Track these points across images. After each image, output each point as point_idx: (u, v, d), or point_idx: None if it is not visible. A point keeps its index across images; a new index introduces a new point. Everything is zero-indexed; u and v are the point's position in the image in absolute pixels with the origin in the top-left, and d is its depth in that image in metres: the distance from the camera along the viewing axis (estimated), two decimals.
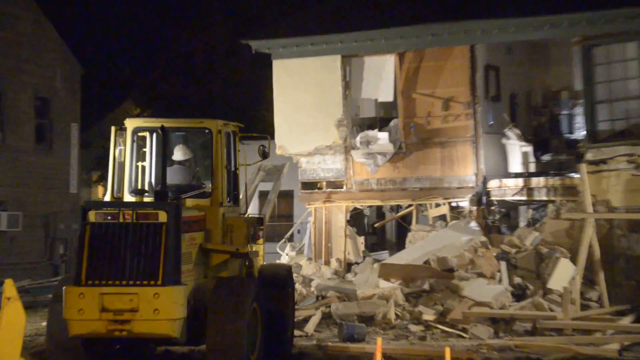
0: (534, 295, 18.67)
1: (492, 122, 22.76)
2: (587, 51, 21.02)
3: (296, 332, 16.54)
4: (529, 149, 22.58)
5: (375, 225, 25.61)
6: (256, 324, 13.26)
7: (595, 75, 20.99)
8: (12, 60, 30.62)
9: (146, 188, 14.14)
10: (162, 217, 12.40)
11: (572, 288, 17.88)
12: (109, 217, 12.45)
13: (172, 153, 14.26)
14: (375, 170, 23.26)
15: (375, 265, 21.39)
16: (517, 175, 22.34)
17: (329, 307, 18.92)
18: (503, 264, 19.50)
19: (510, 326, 17.43)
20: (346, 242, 23.61)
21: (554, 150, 22.96)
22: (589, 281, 19.20)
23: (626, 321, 17.37)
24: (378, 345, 11.79)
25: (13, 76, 30.60)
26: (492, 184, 22.04)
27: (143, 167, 14.33)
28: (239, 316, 12.59)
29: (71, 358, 12.79)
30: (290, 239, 27.29)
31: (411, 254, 21.06)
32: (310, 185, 24.21)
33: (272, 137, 23.14)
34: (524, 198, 21.86)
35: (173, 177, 13.91)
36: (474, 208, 21.94)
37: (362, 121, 23.84)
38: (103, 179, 37.26)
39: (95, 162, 37.45)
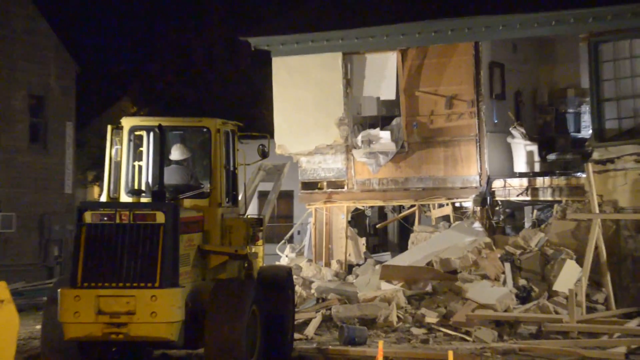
0: (539, 297, 18.71)
1: (496, 121, 22.81)
2: (594, 48, 21.03)
3: (296, 335, 16.59)
4: (534, 148, 22.61)
5: (377, 226, 25.64)
6: (255, 327, 13.30)
7: (603, 72, 21.00)
8: (5, 58, 30.70)
9: (143, 188, 14.17)
10: (160, 218, 12.46)
11: (578, 290, 17.91)
12: (106, 218, 12.51)
13: (169, 152, 14.31)
14: (377, 170, 23.29)
15: (377, 267, 21.43)
16: (522, 175, 22.38)
17: (330, 309, 18.96)
18: (507, 266, 19.54)
19: (515, 329, 17.47)
20: (347, 244, 23.65)
21: (559, 150, 22.99)
22: (595, 283, 19.22)
23: (633, 324, 17.38)
24: (380, 348, 11.86)
25: (6, 74, 30.66)
26: (497, 183, 22.08)
27: (140, 167, 14.38)
28: (238, 319, 12.63)
29: None
30: (290, 240, 27.33)
31: (413, 256, 21.10)
32: (310, 186, 24.24)
33: (272, 136, 23.17)
34: (529, 198, 21.89)
35: (171, 177, 13.96)
36: (478, 208, 21.97)
37: (363, 120, 23.87)
38: (99, 179, 37.30)
39: (91, 162, 37.50)
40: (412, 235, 22.66)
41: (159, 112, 36.97)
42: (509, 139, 22.73)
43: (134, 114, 38.67)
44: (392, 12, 23.50)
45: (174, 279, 12.37)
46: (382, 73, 23.50)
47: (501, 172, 22.49)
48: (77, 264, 12.35)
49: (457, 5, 22.70)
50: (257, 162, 15.37)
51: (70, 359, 12.78)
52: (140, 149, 14.44)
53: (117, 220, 12.47)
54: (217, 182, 13.81)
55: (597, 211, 19.10)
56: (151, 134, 14.41)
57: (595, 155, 20.48)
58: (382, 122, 23.61)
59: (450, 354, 11.91)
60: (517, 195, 21.90)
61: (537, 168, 22.57)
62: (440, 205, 23.10)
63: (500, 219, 22.22)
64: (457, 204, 22.86)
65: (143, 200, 13.69)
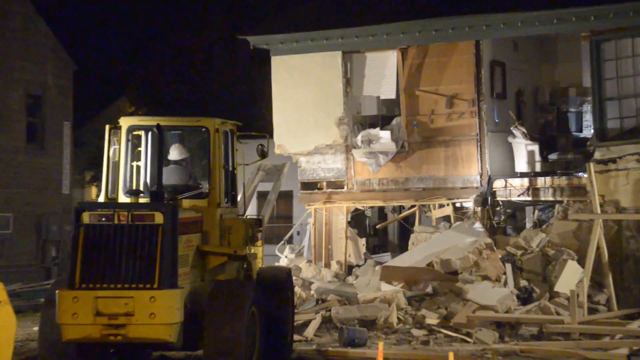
0: (540, 298, 18.74)
1: (497, 120, 22.83)
2: (596, 46, 21.05)
3: (296, 337, 16.60)
4: (535, 147, 22.64)
5: (377, 226, 25.67)
6: (254, 328, 13.32)
7: (605, 71, 21.02)
8: (1, 57, 30.69)
9: (141, 189, 14.19)
10: (158, 218, 12.48)
11: (579, 291, 17.95)
12: (104, 219, 12.53)
13: (168, 152, 14.32)
14: (377, 170, 23.32)
15: (377, 267, 21.45)
16: (523, 175, 22.40)
17: (329, 311, 18.99)
18: (508, 267, 19.56)
19: (516, 330, 17.50)
20: (347, 244, 23.67)
21: (561, 149, 23.02)
22: (597, 284, 19.26)
23: (635, 325, 17.42)
24: (380, 350, 11.89)
25: (3, 73, 30.67)
26: (498, 184, 22.11)
27: (138, 167, 14.40)
28: (237, 320, 12.66)
29: None
30: (290, 241, 27.35)
31: (414, 256, 21.12)
32: (310, 186, 24.26)
33: (271, 136, 23.22)
34: (530, 198, 21.91)
35: (169, 177, 13.98)
36: (479, 209, 21.99)
37: (363, 119, 23.89)
38: (97, 179, 37.28)
39: (89, 162, 37.48)
40: (412, 235, 22.68)
41: (157, 112, 36.99)
42: (510, 139, 22.76)
43: (132, 114, 38.68)
44: (392, 11, 23.53)
45: (172, 280, 12.40)
46: (382, 72, 23.53)
47: (502, 172, 22.51)
48: (75, 265, 12.37)
49: (458, 4, 22.73)
50: (256, 162, 15.39)
51: None
52: (139, 148, 14.46)
53: (116, 221, 12.49)
54: (216, 183, 13.83)
55: (599, 211, 19.13)
56: (149, 134, 14.42)
57: (597, 155, 20.51)
58: (382, 121, 23.63)
59: (451, 356, 11.94)
60: (518, 196, 21.92)
61: (538, 168, 22.60)
62: (441, 206, 23.12)
63: (501, 219, 22.24)
64: (458, 204, 22.89)
65: (141, 200, 13.71)
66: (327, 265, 23.41)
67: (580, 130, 23.50)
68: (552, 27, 21.74)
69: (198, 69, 41.53)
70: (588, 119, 23.07)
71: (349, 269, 23.29)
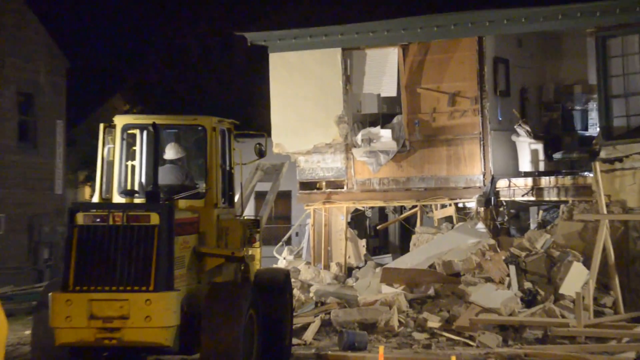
0: (545, 301, 18.72)
1: (500, 119, 22.83)
2: (601, 43, 21.06)
3: (294, 340, 16.61)
4: (539, 146, 22.64)
5: (378, 227, 25.67)
6: (252, 331, 13.33)
7: (611, 68, 21.02)
8: None
9: (136, 189, 14.21)
10: (154, 219, 12.48)
11: (585, 293, 17.94)
12: (98, 220, 12.53)
13: (163, 152, 14.33)
14: (377, 169, 23.32)
15: (378, 269, 21.46)
16: (527, 175, 22.40)
17: (329, 313, 18.99)
18: (512, 268, 19.54)
19: (520, 334, 17.50)
20: (347, 246, 23.67)
21: (566, 148, 23.01)
22: (603, 286, 19.24)
23: None
24: (380, 353, 11.89)
25: None
26: (501, 183, 22.10)
27: (133, 167, 14.41)
28: (235, 323, 12.66)
29: None
30: (288, 242, 27.35)
31: (415, 258, 21.12)
32: (309, 186, 24.26)
33: (269, 135, 23.24)
34: (534, 198, 21.91)
35: (165, 177, 13.98)
36: (482, 209, 21.98)
37: (363, 118, 23.90)
38: (91, 179, 37.29)
39: (82, 162, 37.48)
40: (413, 236, 22.68)
41: (153, 110, 36.98)
42: (513, 137, 22.76)
43: (126, 112, 38.71)
44: (393, 6, 23.54)
45: (168, 282, 12.39)
46: (383, 69, 23.52)
47: (505, 171, 22.51)
48: (69, 266, 12.37)
49: None
50: (254, 161, 15.40)
51: None
52: (134, 148, 14.47)
53: (110, 222, 12.49)
54: (212, 182, 13.84)
55: (605, 212, 19.12)
56: (145, 133, 14.44)
57: (603, 154, 20.50)
58: (383, 119, 23.63)
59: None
60: (522, 196, 21.92)
61: (542, 167, 22.59)
62: (443, 206, 23.13)
63: (505, 219, 22.23)
64: (460, 205, 22.90)
65: (136, 201, 13.73)
66: (327, 267, 23.41)
67: (586, 129, 23.48)
68: (557, 23, 21.76)
69: (194, 66, 41.54)
70: (594, 117, 23.05)
71: (349, 270, 23.29)
